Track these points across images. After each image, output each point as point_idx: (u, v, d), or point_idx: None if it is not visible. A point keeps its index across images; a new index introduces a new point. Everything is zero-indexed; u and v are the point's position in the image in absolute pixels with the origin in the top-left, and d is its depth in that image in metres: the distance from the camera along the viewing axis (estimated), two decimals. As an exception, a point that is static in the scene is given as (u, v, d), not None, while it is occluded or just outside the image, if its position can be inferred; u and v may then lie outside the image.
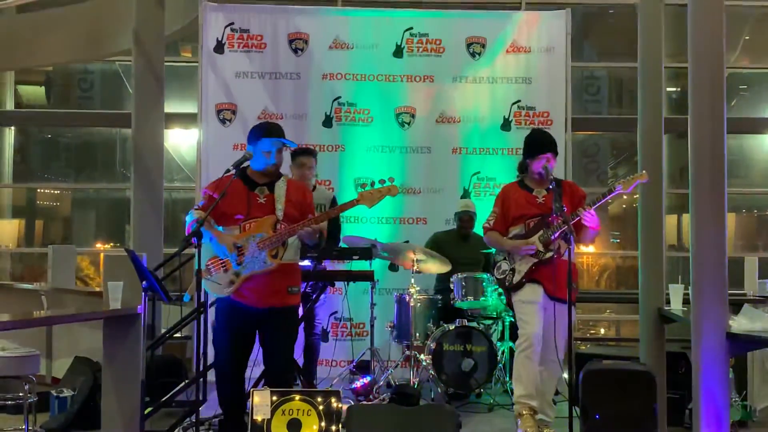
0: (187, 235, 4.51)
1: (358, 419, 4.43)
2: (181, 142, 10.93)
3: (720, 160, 4.72)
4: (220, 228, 4.57)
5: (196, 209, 4.58)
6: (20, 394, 5.56)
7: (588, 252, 11.26)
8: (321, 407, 4.37)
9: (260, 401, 4.38)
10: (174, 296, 5.13)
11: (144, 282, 4.69)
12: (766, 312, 4.99)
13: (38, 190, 11.85)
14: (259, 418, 4.34)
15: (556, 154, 5.18)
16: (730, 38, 10.56)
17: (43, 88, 11.90)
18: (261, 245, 4.43)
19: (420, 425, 4.44)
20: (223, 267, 4.48)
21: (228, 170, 4.68)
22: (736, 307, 4.98)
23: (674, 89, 11.15)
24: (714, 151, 4.72)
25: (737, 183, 11.16)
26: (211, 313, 6.18)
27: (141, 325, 4.85)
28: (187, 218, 4.58)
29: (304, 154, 6.00)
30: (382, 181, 4.60)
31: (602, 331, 11.51)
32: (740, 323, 4.71)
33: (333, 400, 4.39)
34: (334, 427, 4.34)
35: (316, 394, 4.43)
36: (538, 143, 5.18)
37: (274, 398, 4.38)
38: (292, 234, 4.52)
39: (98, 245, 11.49)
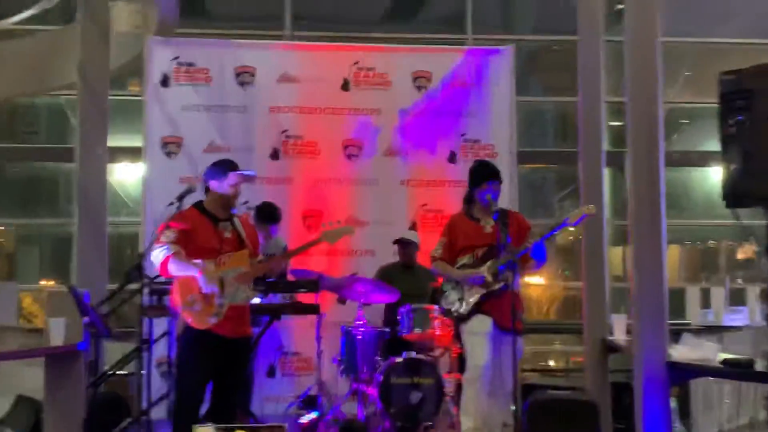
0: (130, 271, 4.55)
1: (303, 454, 4.39)
2: (127, 176, 10.83)
3: (658, 193, 4.84)
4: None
5: (171, 243, 4.58)
6: (-42, 435, 5.42)
7: (537, 283, 11.36)
8: (266, 443, 4.33)
9: (204, 438, 4.33)
10: (117, 332, 5.08)
11: (85, 318, 4.65)
12: (707, 341, 5.10)
13: (-18, 226, 11.62)
14: (202, 454, 4.27)
15: (499, 182, 5.26)
16: (672, 74, 10.86)
17: (-13, 122, 11.72)
18: (241, 279, 4.63)
19: (365, 459, 4.42)
20: (206, 300, 4.56)
21: (171, 203, 4.72)
22: (678, 336, 5.07)
23: (618, 123, 11.37)
24: (652, 184, 4.84)
25: (680, 215, 11.39)
26: (160, 348, 6.16)
27: (83, 362, 4.79)
28: (157, 255, 4.58)
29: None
30: (339, 221, 5.05)
31: (551, 362, 11.59)
32: (680, 352, 4.80)
33: (277, 435, 4.35)
34: (278, 463, 4.30)
35: (261, 430, 4.40)
36: (482, 171, 5.27)
37: (218, 434, 4.33)
38: (267, 270, 4.86)
39: (43, 282, 11.27)
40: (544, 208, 11.71)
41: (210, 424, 4.34)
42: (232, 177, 4.75)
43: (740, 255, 11.78)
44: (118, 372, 6.17)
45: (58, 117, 11.10)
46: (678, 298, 7.40)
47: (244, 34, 9.20)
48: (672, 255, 11.80)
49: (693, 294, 7.24)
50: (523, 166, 9.74)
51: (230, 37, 7.83)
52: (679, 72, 11.29)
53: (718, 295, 7.29)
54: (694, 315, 7.12)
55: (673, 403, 5.63)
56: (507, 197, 6.99)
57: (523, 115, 10.76)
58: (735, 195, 3.83)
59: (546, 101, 11.88)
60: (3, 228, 11.68)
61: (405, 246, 6.80)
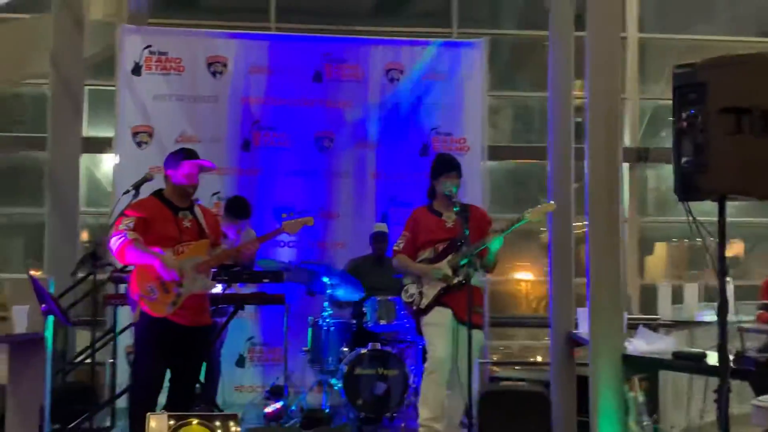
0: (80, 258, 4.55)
1: (255, 442, 4.41)
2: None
3: (615, 189, 4.84)
4: None
5: (129, 230, 4.56)
6: None
7: (527, 279, 11.33)
8: (219, 431, 4.32)
9: (156, 426, 4.32)
10: (76, 320, 5.09)
11: (43, 305, 4.67)
12: (664, 335, 5.11)
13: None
14: (154, 443, 4.27)
15: (459, 175, 5.27)
16: (657, 70, 10.83)
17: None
18: (200, 268, 4.64)
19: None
20: (164, 288, 4.56)
21: (128, 190, 4.73)
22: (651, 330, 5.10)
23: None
24: (609, 179, 4.83)
25: (668, 213, 11.35)
26: (124, 338, 6.17)
27: (47, 350, 4.81)
28: (115, 242, 4.57)
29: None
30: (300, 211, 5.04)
31: (539, 357, 11.57)
32: (636, 345, 4.81)
33: (231, 424, 4.34)
34: (230, 451, 4.29)
35: (214, 418, 4.38)
36: (441, 164, 5.29)
37: (171, 422, 4.29)
38: (226, 259, 4.88)
39: (32, 272, 11.22)
40: (529, 204, 11.64)
41: (163, 412, 4.34)
42: (185, 166, 4.72)
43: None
44: (87, 361, 6.19)
45: (43, 107, 11.07)
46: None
47: (229, 25, 9.14)
48: (659, 252, 11.78)
49: (664, 290, 7.27)
50: (509, 162, 9.74)
51: (212, 26, 7.76)
52: (664, 69, 11.24)
53: (692, 291, 7.32)
54: (665, 310, 7.15)
55: (641, 398, 5.64)
56: (479, 191, 7.03)
57: (510, 111, 10.75)
58: (685, 188, 3.81)
59: (533, 96, 11.84)
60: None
61: (380, 240, 6.80)
